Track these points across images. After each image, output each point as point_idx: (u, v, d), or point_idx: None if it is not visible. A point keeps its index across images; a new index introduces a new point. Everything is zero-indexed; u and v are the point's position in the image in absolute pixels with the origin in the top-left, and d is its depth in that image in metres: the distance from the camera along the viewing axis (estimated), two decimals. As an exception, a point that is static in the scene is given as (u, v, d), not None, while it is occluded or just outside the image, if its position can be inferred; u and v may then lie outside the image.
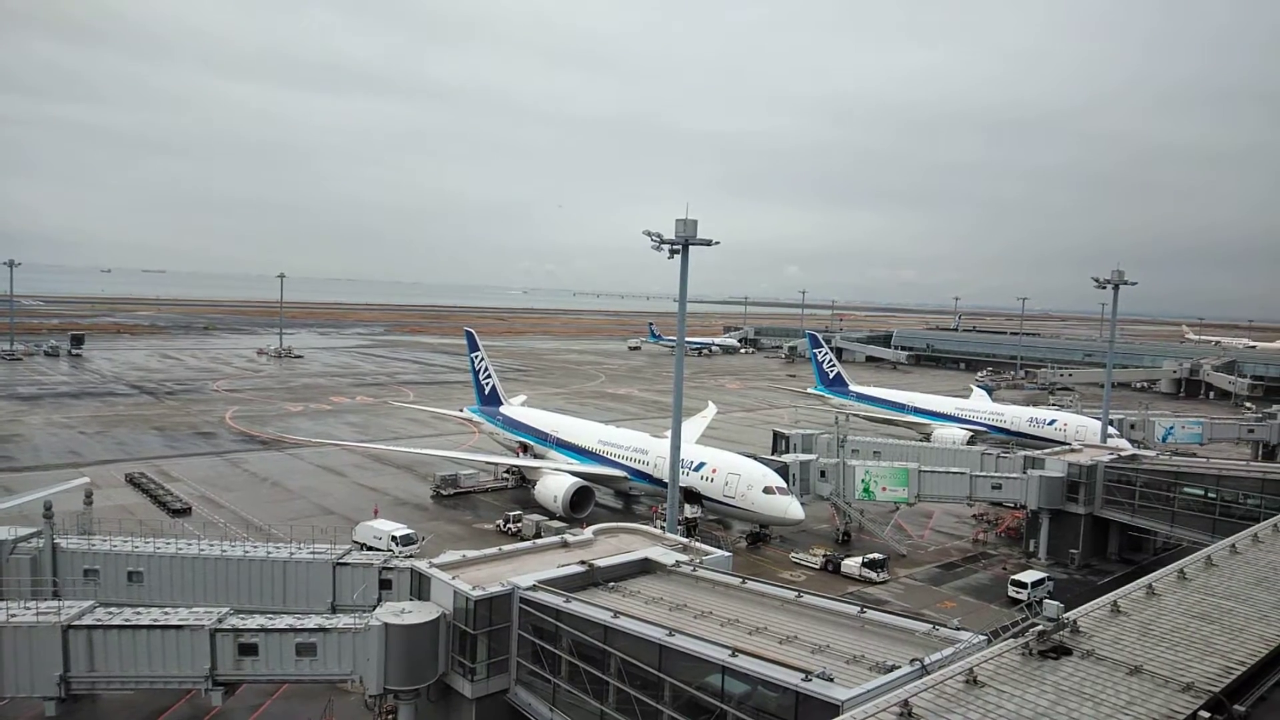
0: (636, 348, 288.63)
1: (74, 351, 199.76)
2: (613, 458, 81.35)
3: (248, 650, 34.47)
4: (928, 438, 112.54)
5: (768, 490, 67.18)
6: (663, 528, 51.95)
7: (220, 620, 34.95)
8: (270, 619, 35.69)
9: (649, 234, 54.36)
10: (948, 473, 72.46)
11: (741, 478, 68.86)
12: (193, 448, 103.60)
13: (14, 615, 34.46)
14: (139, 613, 35.96)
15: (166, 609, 36.75)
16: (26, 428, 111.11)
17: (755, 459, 73.03)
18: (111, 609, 36.36)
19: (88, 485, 55.99)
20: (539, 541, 44.35)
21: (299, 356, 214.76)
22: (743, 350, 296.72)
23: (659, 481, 73.26)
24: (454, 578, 35.78)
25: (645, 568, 38.79)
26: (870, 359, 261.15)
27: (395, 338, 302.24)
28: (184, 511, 74.85)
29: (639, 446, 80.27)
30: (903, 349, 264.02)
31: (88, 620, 34.69)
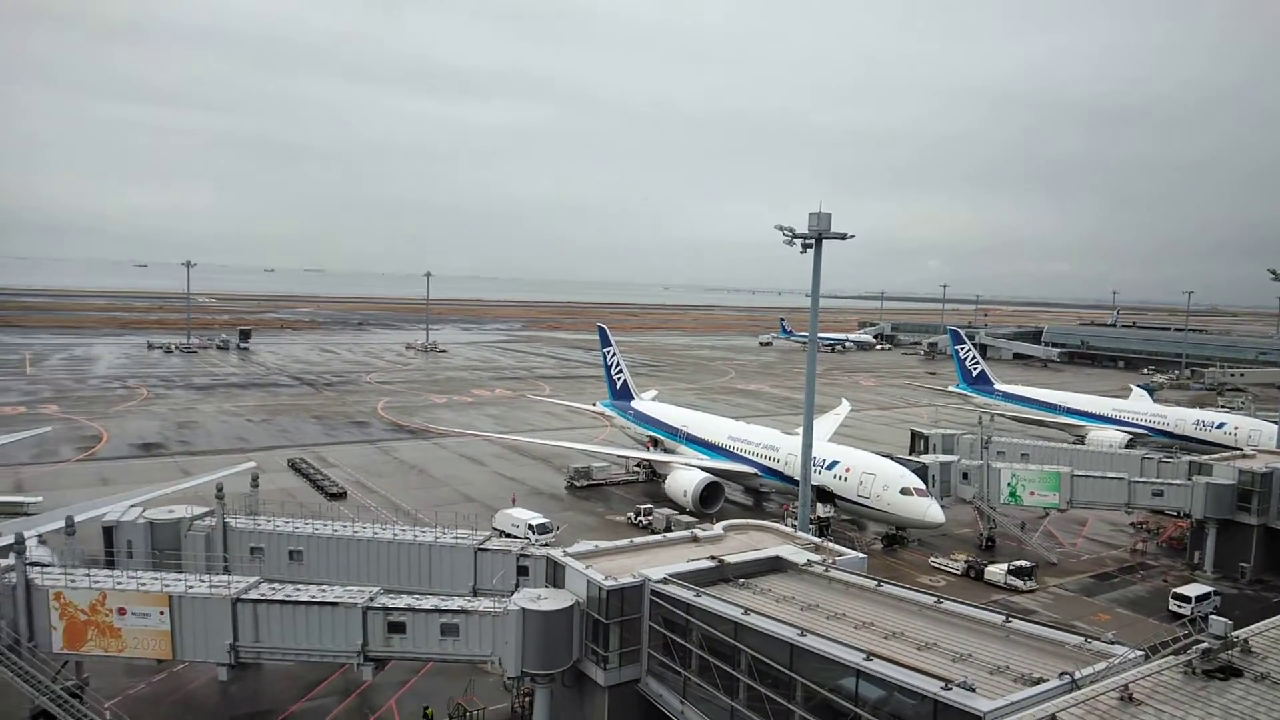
0: (768, 343, 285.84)
1: (242, 345, 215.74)
2: (743, 454, 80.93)
3: (396, 628, 36.25)
4: (1081, 440, 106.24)
5: (905, 491, 65.19)
6: (794, 526, 51.30)
7: (371, 599, 36.88)
8: (417, 599, 37.41)
9: (781, 228, 53.74)
10: (1103, 478, 68.20)
11: (877, 478, 67.09)
12: (348, 436, 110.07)
13: (191, 587, 37.55)
14: (299, 589, 38.37)
15: (323, 587, 39.11)
16: (201, 415, 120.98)
17: (892, 459, 71.01)
18: (274, 585, 38.97)
19: (254, 469, 60.35)
20: (669, 535, 44.64)
21: (443, 351, 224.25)
22: (879, 346, 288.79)
23: (790, 479, 72.36)
24: (587, 567, 36.58)
25: (776, 566, 38.46)
26: (1018, 356, 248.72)
27: (532, 333, 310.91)
28: (340, 495, 79.64)
29: (770, 443, 79.51)
30: (1054, 346, 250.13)
31: (253, 595, 37.30)
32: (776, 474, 76.83)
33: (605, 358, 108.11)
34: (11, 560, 37.52)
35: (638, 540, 41.99)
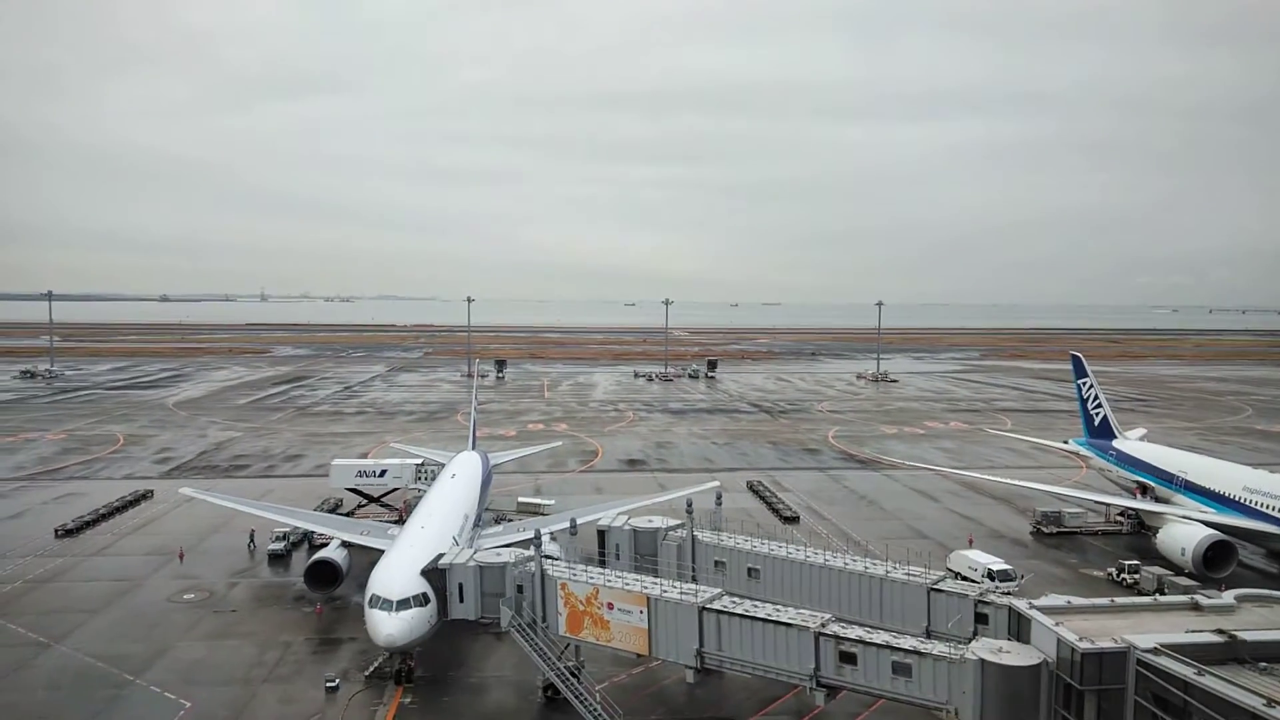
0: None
1: (709, 375, 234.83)
2: (1264, 509, 66.77)
3: (847, 658, 36.29)
4: None
5: None
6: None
7: (823, 625, 37.47)
8: (868, 632, 37.12)
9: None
10: None
11: None
12: (800, 462, 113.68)
13: (665, 591, 41.71)
14: (756, 606, 40.51)
15: (779, 606, 40.74)
16: (674, 437, 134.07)
17: None
18: (735, 598, 41.63)
19: (718, 488, 65.07)
20: (1161, 599, 38.70)
21: (894, 381, 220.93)
22: None
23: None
24: (1057, 624, 33.13)
25: (1316, 652, 31.02)
26: None
27: (991, 363, 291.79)
28: (793, 519, 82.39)
29: (1305, 499, 64.54)
30: None
31: (717, 605, 40.19)
32: (1315, 538, 62.04)
33: (1080, 390, 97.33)
34: (532, 552, 45.26)
35: (1120, 600, 36.97)
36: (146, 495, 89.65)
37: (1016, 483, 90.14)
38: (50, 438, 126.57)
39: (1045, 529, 78.77)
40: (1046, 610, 34.79)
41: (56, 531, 75.98)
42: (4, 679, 48.26)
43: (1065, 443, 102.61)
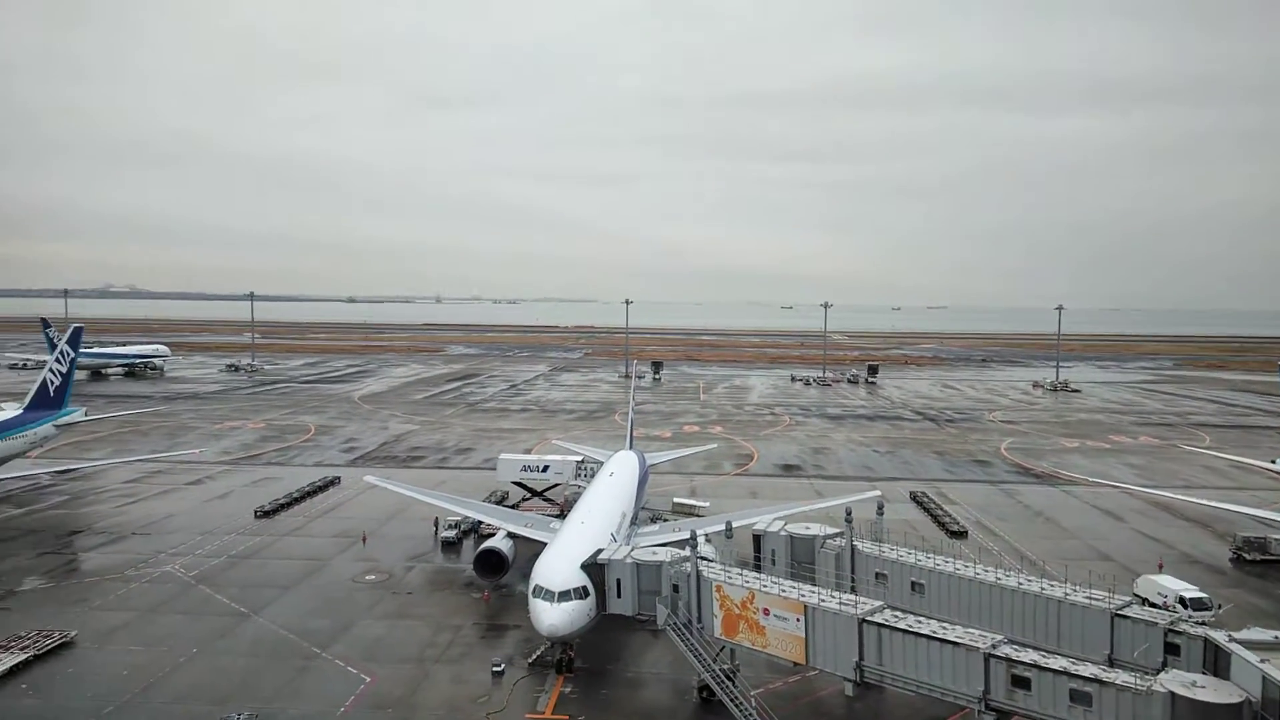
0: None
1: (870, 380, 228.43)
2: None
3: (1020, 683, 34.42)
4: None
5: None
6: None
7: (994, 646, 35.67)
8: (1044, 657, 35.05)
9: None
10: None
11: None
12: (969, 474, 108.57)
13: (823, 600, 40.93)
14: (920, 621, 39.06)
15: (944, 624, 39.10)
16: (832, 443, 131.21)
17: None
18: (897, 612, 40.31)
19: (879, 498, 63.30)
20: (1394, 642, 34.19)
21: (1075, 390, 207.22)
22: None
23: None
24: (1263, 660, 30.19)
25: None
26: None
27: (1186, 373, 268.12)
28: (961, 534, 78.82)
29: None
30: None
31: (878, 618, 39.04)
32: None
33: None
34: (688, 552, 45.58)
35: (1340, 640, 33.15)
36: (334, 481, 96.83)
37: (1215, 504, 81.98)
38: (251, 426, 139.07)
39: (1247, 556, 71.69)
40: (1250, 645, 31.85)
41: (256, 512, 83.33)
42: (212, 643, 53.47)
43: (1273, 462, 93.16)
